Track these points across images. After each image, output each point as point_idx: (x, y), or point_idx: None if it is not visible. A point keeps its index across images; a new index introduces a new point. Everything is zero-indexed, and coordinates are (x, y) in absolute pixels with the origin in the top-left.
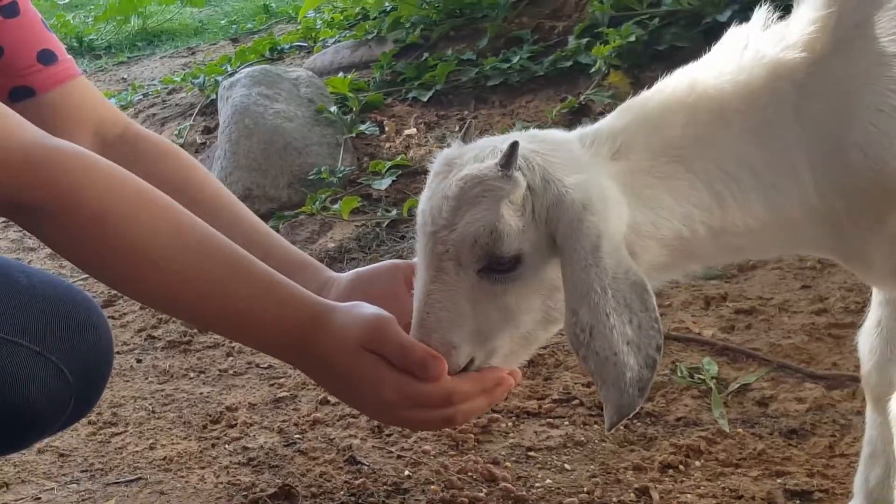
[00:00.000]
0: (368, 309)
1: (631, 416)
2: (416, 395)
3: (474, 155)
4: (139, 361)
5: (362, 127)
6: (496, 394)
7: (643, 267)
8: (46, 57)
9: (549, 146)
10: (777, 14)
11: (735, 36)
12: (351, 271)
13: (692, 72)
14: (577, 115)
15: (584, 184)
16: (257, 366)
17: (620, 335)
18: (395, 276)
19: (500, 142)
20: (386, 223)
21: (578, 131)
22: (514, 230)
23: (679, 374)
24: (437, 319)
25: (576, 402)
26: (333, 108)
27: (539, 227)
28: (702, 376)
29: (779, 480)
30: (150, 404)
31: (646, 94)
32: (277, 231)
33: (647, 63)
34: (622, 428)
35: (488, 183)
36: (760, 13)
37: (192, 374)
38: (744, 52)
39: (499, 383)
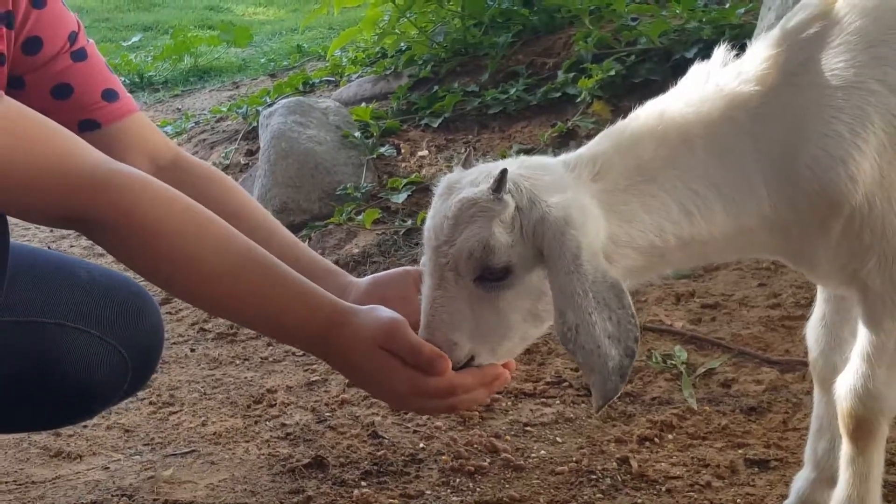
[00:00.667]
0: (384, 312)
1: (614, 398)
2: (425, 387)
3: (471, 179)
4: (192, 350)
5: (382, 149)
6: (494, 386)
7: (621, 271)
8: (109, 95)
9: (535, 170)
10: (735, 52)
11: (698, 71)
12: (368, 276)
13: (661, 103)
14: (565, 139)
15: (565, 202)
16: (293, 354)
17: (602, 330)
18: (407, 280)
19: (494, 168)
20: (403, 232)
21: (563, 157)
22: (503, 245)
23: (654, 360)
24: (440, 320)
25: (566, 384)
26: (357, 134)
27: (527, 241)
28: (673, 362)
29: (740, 451)
30: (202, 387)
31: (622, 123)
32: (309, 239)
33: (625, 94)
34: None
35: (481, 205)
36: (720, 52)
37: (237, 361)
38: (705, 85)
39: (496, 378)
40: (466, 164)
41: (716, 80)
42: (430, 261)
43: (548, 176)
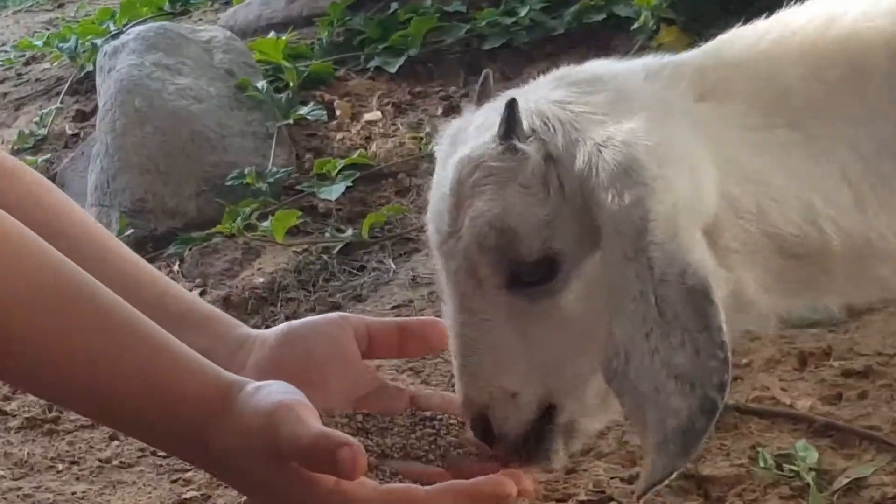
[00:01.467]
0: (268, 398)
1: (668, 480)
2: None
3: (479, 123)
4: None
5: (303, 110)
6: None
7: (753, 272)
8: None
9: (582, 88)
10: None
11: None
12: (281, 326)
13: (830, 5)
14: None
15: (628, 135)
16: (153, 454)
17: (665, 364)
18: (341, 332)
19: (518, 95)
20: (337, 248)
21: (643, 60)
22: (531, 223)
23: (762, 463)
24: (478, 363)
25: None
26: (262, 84)
27: (574, 208)
28: (795, 467)
29: None
30: None
31: (757, 25)
32: (180, 262)
33: (713, 15)
34: None
35: (487, 164)
36: None
37: (60, 466)
38: None
39: (500, 496)
40: (482, 98)
41: None
42: (442, 270)
43: (604, 92)
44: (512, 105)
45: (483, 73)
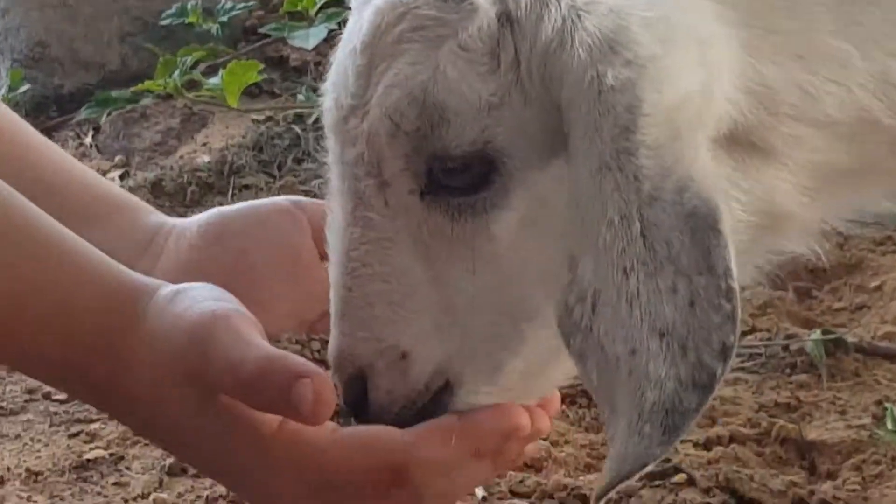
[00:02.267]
0: (193, 308)
1: (636, 476)
2: (330, 472)
3: None
4: None
5: None
6: (505, 452)
7: (790, 178)
8: None
9: None
10: None
11: None
12: (207, 213)
13: None
14: None
15: (621, 1)
16: (47, 397)
17: (648, 316)
18: (292, 226)
19: None
20: (314, 117)
21: None
22: (467, 101)
23: (891, 425)
24: (364, 299)
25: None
26: None
27: (531, 93)
28: None
29: None
30: None
31: None
32: (96, 130)
33: None
34: None
35: (418, 12)
36: None
37: None
38: None
39: (508, 431)
40: None
41: None
42: (336, 161)
43: None
44: None
45: None
